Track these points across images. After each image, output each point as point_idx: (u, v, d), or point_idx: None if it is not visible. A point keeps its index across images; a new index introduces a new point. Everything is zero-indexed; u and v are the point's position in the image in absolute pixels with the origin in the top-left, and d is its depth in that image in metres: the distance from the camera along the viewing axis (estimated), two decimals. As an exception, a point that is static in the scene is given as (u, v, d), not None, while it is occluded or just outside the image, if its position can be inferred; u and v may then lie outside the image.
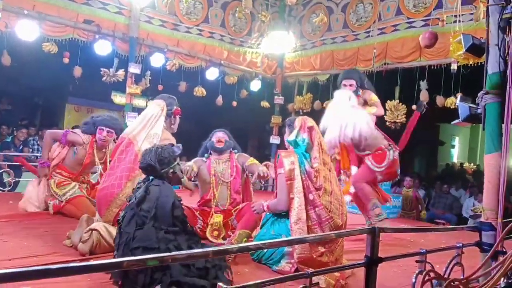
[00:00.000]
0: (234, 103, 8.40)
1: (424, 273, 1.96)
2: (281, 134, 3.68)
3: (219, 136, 3.93)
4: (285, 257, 3.00)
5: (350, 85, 4.65)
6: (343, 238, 3.04)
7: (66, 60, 6.19)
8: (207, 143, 3.97)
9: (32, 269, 1.24)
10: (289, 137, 3.17)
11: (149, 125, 3.37)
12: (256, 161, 3.85)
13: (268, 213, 3.32)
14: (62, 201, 4.26)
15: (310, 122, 3.20)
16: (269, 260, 3.08)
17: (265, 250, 3.06)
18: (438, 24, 5.94)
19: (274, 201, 3.17)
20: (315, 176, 2.98)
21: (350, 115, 4.31)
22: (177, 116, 3.67)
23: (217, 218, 3.71)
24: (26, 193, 4.45)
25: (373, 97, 4.69)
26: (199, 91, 7.58)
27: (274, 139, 8.49)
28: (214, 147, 3.88)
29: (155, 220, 2.33)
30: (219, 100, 8.01)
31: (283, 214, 3.10)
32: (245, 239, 3.31)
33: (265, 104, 8.72)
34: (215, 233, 3.69)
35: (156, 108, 3.48)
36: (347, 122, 4.27)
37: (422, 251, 2.12)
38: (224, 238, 3.67)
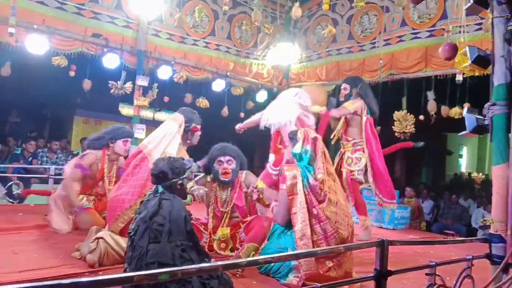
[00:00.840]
0: (242, 114, 8.44)
1: (435, 287, 1.94)
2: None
3: (225, 163, 3.61)
4: (293, 271, 2.97)
5: (344, 89, 4.84)
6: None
7: (72, 74, 6.27)
8: (210, 165, 3.70)
9: (44, 284, 1.24)
10: (294, 149, 3.15)
11: (164, 142, 3.37)
12: (263, 186, 3.57)
13: (274, 226, 3.31)
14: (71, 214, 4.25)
15: (313, 133, 3.20)
16: (276, 273, 3.06)
17: (272, 264, 3.05)
18: (443, 35, 5.98)
19: (276, 209, 3.17)
20: (319, 188, 2.95)
21: (280, 109, 4.04)
22: (195, 133, 3.65)
23: (225, 231, 3.69)
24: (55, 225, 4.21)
25: (348, 103, 4.70)
26: (203, 102, 7.62)
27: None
28: (220, 180, 3.62)
29: (170, 234, 2.33)
30: (225, 111, 8.06)
31: (289, 227, 3.08)
32: (253, 252, 3.29)
33: (271, 115, 8.72)
34: (223, 245, 3.67)
35: (173, 124, 3.48)
36: (269, 115, 4.04)
37: (431, 263, 2.11)
38: (231, 250, 3.64)
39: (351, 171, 4.80)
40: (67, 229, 4.13)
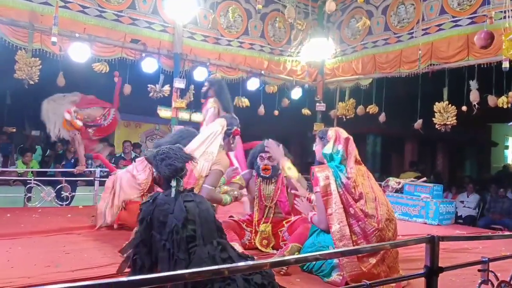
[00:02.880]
0: (276, 112, 8.44)
1: (498, 282, 1.86)
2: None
3: (266, 160, 3.76)
4: (336, 269, 2.93)
5: (205, 85, 5.34)
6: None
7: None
8: (253, 160, 3.87)
9: (102, 282, 1.29)
10: (325, 149, 3.09)
11: (207, 142, 3.46)
12: (296, 176, 3.61)
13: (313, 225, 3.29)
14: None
15: (344, 133, 3.13)
16: (319, 271, 3.03)
17: (314, 262, 3.02)
18: (485, 21, 5.70)
19: (316, 218, 3.11)
20: (353, 186, 2.90)
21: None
22: (236, 137, 3.72)
23: (267, 227, 3.71)
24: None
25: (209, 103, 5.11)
26: (243, 102, 7.70)
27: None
28: (261, 175, 3.80)
29: (204, 237, 2.26)
30: (261, 110, 8.09)
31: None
32: (297, 252, 3.26)
33: (306, 111, 8.69)
34: (265, 241, 3.69)
35: (217, 126, 3.58)
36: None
37: (484, 259, 2.03)
38: (274, 248, 3.66)
39: None
40: (109, 221, 4.23)
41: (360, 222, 2.83)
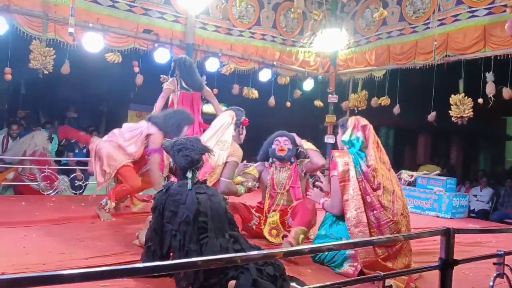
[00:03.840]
0: (288, 104, 8.40)
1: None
2: (335, 134, 3.64)
3: (282, 143, 3.86)
4: (348, 260, 2.94)
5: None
6: (409, 241, 2.94)
7: (136, 69, 6.54)
8: (268, 147, 3.93)
9: (116, 268, 1.29)
10: (344, 137, 3.11)
11: (220, 132, 3.49)
12: (313, 148, 3.81)
13: (326, 216, 3.28)
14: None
15: (363, 121, 3.13)
16: (331, 262, 3.04)
17: (326, 252, 3.02)
18: (504, 11, 5.58)
19: (329, 203, 3.13)
20: (372, 175, 2.89)
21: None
22: (244, 127, 3.73)
23: (275, 216, 3.72)
24: None
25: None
26: (250, 92, 7.66)
27: (329, 138, 8.38)
28: (276, 155, 3.85)
29: (215, 229, 2.27)
30: (271, 101, 8.06)
31: (342, 217, 3.02)
32: (302, 236, 3.27)
33: (318, 103, 8.64)
34: (274, 232, 3.70)
35: (227, 117, 3.60)
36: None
37: (500, 253, 2.01)
38: (283, 237, 3.66)
39: None
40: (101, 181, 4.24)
41: (375, 211, 2.83)
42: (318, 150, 3.84)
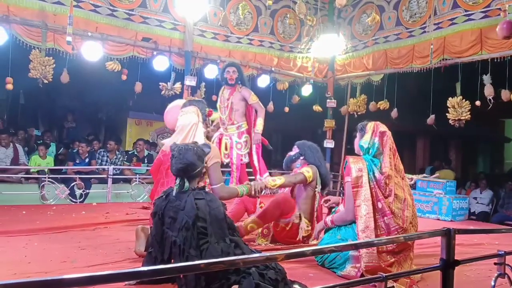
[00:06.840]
0: (286, 109, 8.42)
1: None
2: (351, 139, 3.59)
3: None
4: (350, 261, 2.93)
5: (233, 72, 4.96)
6: (412, 249, 2.95)
7: (124, 77, 6.48)
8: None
9: (120, 271, 1.28)
10: (361, 142, 3.10)
11: (191, 135, 3.24)
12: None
13: None
14: None
15: (382, 127, 3.12)
16: (332, 263, 3.04)
17: (328, 254, 3.03)
18: (499, 15, 5.62)
19: (340, 213, 3.12)
20: (385, 183, 2.90)
21: None
22: (209, 118, 3.53)
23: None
24: None
25: (253, 97, 4.95)
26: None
27: (328, 143, 8.40)
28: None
29: (214, 235, 2.28)
30: (270, 107, 8.07)
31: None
32: (251, 225, 3.53)
33: (317, 108, 8.66)
34: (265, 231, 3.75)
35: (192, 116, 3.33)
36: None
37: (500, 253, 2.01)
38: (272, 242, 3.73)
39: (241, 155, 4.84)
40: None
41: (386, 218, 2.85)
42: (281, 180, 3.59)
